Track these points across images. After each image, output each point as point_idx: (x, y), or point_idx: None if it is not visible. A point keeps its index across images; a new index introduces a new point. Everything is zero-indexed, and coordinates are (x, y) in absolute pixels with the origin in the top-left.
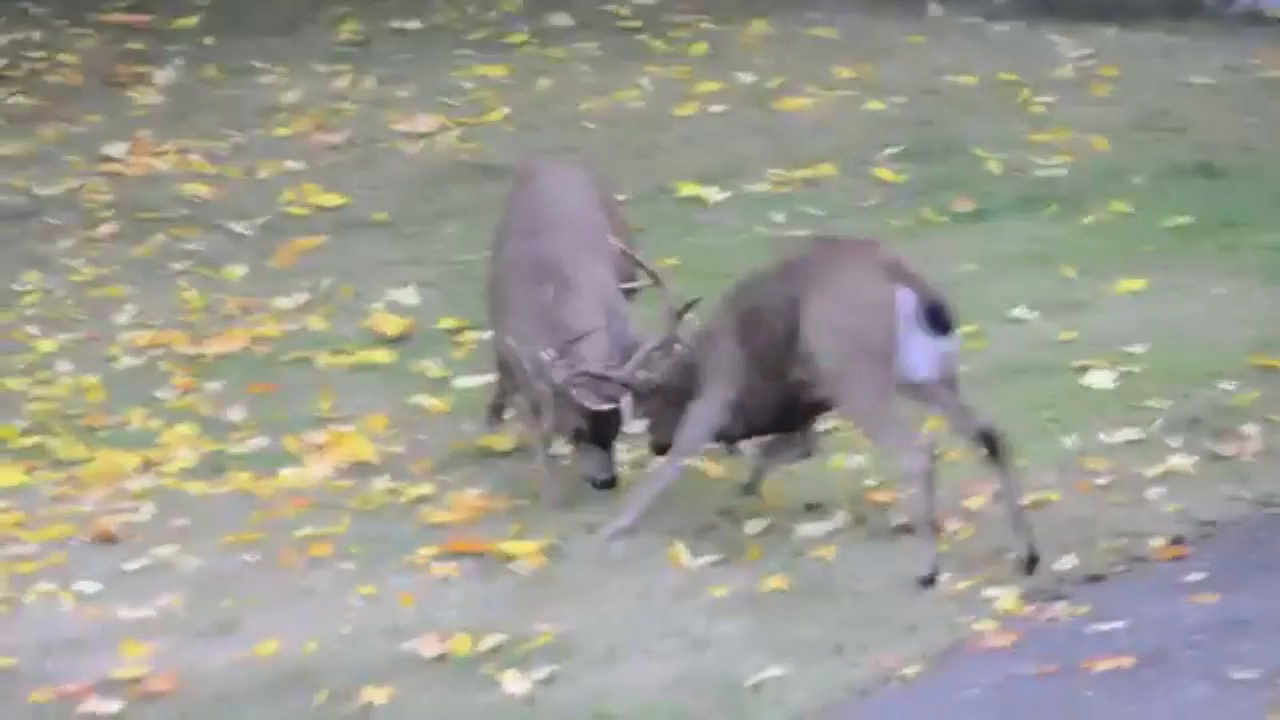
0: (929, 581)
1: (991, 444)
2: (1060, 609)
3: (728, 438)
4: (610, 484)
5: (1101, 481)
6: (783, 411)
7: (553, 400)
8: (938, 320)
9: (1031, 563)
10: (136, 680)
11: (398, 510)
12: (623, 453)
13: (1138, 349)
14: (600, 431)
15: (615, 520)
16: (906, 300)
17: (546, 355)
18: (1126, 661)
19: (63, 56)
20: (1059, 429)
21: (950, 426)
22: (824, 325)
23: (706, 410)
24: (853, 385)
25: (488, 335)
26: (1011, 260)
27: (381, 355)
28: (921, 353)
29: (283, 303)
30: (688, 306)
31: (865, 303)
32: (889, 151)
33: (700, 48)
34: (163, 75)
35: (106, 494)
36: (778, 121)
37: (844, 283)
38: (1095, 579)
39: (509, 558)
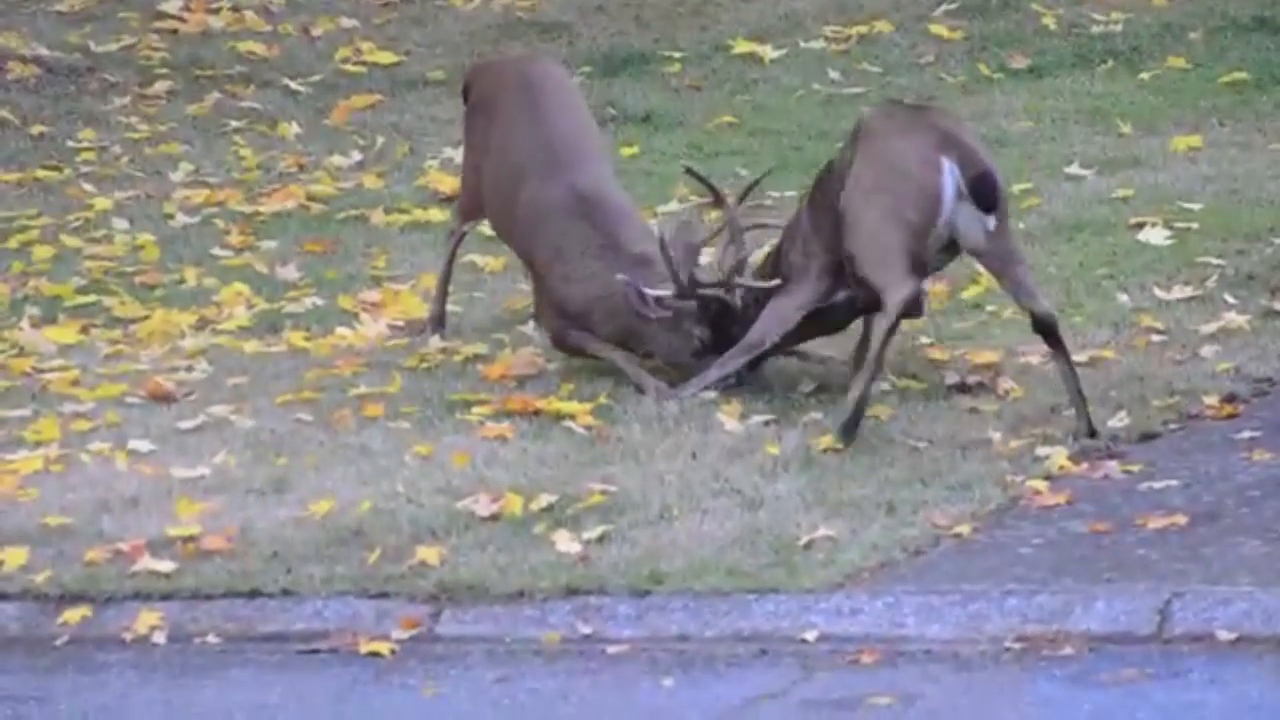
0: (850, 429)
1: (1047, 330)
2: (1113, 467)
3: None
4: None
5: (1156, 339)
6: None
7: (664, 325)
8: (982, 194)
9: (1091, 435)
10: (191, 539)
11: (452, 369)
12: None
13: (1194, 205)
14: (723, 334)
15: (679, 388)
16: (951, 172)
17: (633, 287)
18: (1180, 519)
19: None
20: (1115, 286)
21: (1015, 300)
22: (860, 187)
23: (788, 303)
24: (870, 240)
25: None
26: (1067, 117)
27: (436, 214)
28: (966, 224)
29: (338, 161)
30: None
31: (907, 169)
32: (945, 8)
33: None
34: None
35: (162, 352)
36: None
37: (891, 147)
38: (1149, 437)
39: (562, 417)
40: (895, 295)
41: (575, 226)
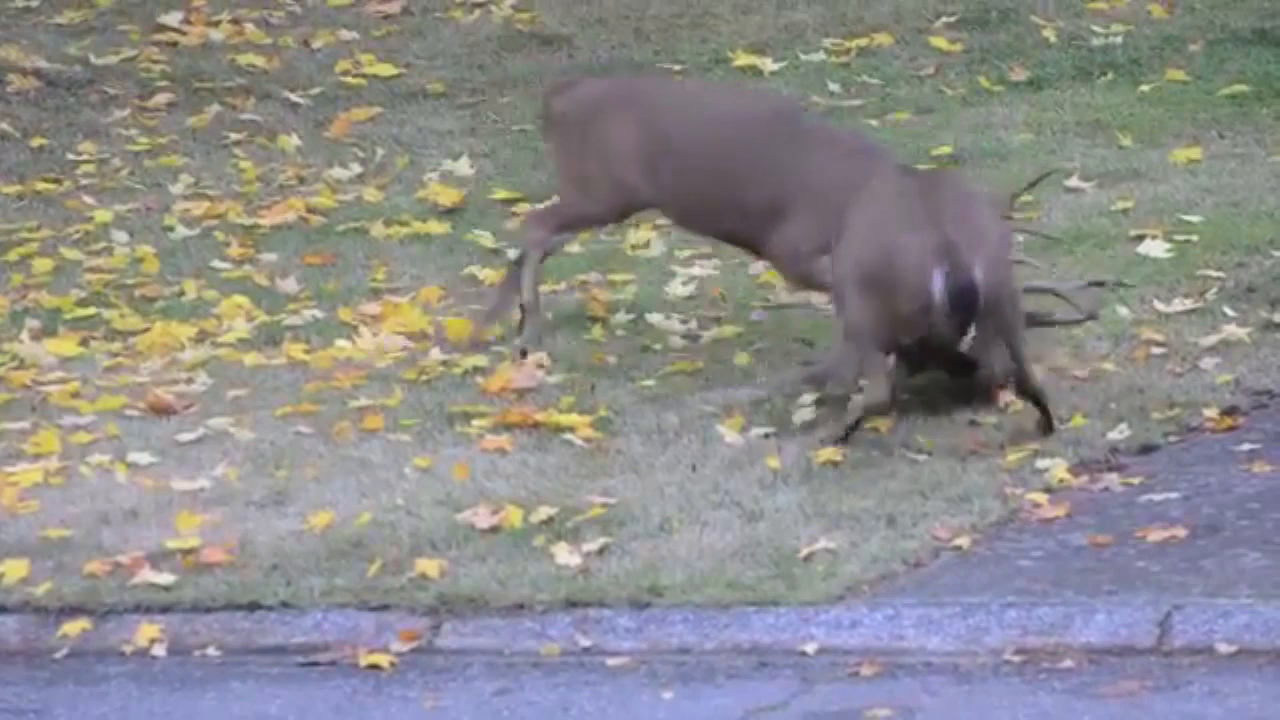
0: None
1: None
2: (1113, 479)
3: None
4: None
5: (1156, 351)
6: None
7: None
8: (963, 303)
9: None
10: (191, 551)
11: (451, 382)
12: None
13: (1194, 218)
14: None
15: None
16: (939, 280)
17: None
18: (1180, 532)
19: None
20: (1114, 298)
21: None
22: (850, 256)
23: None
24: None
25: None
26: (1067, 129)
27: (436, 226)
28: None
29: (338, 173)
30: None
31: (900, 272)
32: (945, 20)
33: None
34: None
35: (161, 365)
36: None
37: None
38: (1149, 449)
39: (561, 429)
40: (870, 396)
41: None
